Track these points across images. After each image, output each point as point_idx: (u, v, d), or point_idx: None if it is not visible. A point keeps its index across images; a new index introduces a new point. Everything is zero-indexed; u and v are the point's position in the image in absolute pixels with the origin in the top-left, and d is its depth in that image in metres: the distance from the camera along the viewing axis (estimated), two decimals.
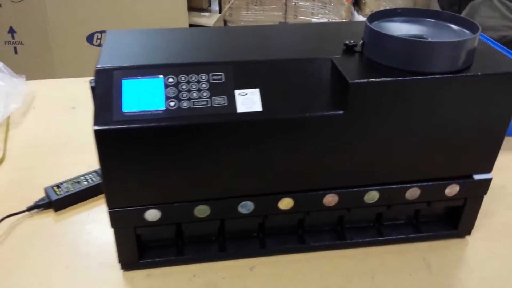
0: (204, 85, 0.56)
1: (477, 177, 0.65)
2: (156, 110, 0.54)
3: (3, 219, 0.70)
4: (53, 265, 0.64)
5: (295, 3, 2.46)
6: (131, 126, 0.52)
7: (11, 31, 2.08)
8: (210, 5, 2.52)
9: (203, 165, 0.57)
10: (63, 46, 2.09)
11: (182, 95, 0.55)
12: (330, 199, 0.63)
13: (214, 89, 0.56)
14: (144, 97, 0.54)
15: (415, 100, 0.56)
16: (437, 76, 0.55)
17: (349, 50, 0.60)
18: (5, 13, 2.00)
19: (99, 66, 0.55)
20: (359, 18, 2.49)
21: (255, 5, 2.47)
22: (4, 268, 0.64)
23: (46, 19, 2.03)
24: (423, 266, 0.65)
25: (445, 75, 0.55)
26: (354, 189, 0.62)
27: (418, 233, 0.69)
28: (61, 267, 0.64)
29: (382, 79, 0.54)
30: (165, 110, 0.54)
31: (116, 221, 0.59)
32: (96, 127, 0.52)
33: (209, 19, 2.32)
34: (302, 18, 2.47)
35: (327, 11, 2.48)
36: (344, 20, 2.44)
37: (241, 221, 0.63)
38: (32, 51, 2.10)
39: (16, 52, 2.13)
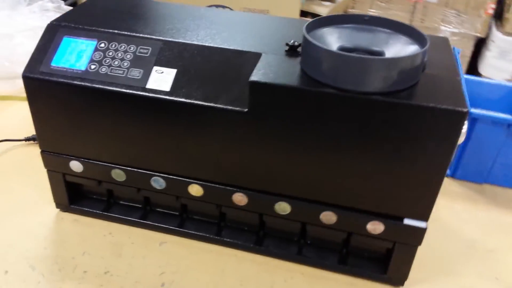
0: (128, 56, 0.58)
1: (408, 221, 0.56)
2: (77, 70, 0.58)
3: (1, 141, 0.82)
4: (9, 190, 0.74)
5: (425, 6, 2.27)
6: (49, 79, 0.57)
7: None
8: None
9: (113, 130, 0.60)
10: None
11: (105, 60, 0.58)
12: (240, 198, 0.60)
13: (136, 61, 0.57)
14: (74, 55, 0.59)
15: (318, 113, 0.51)
16: (340, 93, 0.49)
17: (291, 50, 0.56)
18: None
19: (52, 21, 0.61)
20: (497, 35, 2.19)
21: (381, 2, 2.35)
22: None
23: None
24: None
25: (352, 94, 0.49)
26: (263, 194, 0.59)
27: (342, 264, 0.62)
28: (13, 194, 0.73)
29: (282, 83, 0.50)
30: (84, 71, 0.57)
31: (47, 163, 0.65)
32: (24, 74, 0.58)
33: (326, 9, 2.27)
34: (428, 25, 2.27)
35: (460, 21, 2.24)
36: (476, 34, 2.18)
37: (157, 195, 0.64)
38: None
39: None
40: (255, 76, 0.51)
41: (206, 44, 0.58)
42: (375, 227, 0.57)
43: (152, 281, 0.60)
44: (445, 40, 0.62)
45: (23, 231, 0.67)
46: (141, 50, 0.58)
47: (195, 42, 0.58)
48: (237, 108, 0.53)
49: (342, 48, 0.53)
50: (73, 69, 0.58)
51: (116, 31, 0.60)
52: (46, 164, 0.66)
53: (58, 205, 0.70)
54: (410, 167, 0.52)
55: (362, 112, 0.50)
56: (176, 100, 0.55)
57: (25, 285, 0.59)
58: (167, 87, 0.56)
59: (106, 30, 0.60)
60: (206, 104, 0.54)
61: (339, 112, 0.50)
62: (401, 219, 0.56)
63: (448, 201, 0.76)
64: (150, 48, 0.58)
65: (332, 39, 0.55)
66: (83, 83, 0.57)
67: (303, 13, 2.22)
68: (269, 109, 0.52)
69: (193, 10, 0.68)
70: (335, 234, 0.61)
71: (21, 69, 0.58)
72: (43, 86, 0.58)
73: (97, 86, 0.56)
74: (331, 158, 0.53)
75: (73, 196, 0.69)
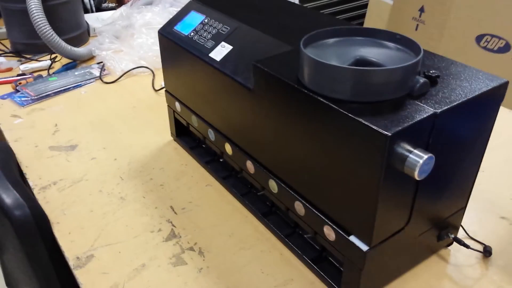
0: (214, 31, 0.74)
1: (353, 238, 0.54)
2: (183, 34, 0.78)
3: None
4: (151, 120, 1.02)
5: None
6: (167, 37, 0.80)
7: (421, 10, 2.33)
8: None
9: (194, 85, 0.78)
10: (453, 38, 2.18)
11: (200, 31, 0.76)
12: (250, 166, 0.70)
13: (216, 35, 0.74)
14: (187, 24, 0.79)
15: (299, 112, 0.55)
16: (315, 96, 0.52)
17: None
18: None
19: (194, 0, 0.83)
20: None
21: None
22: None
23: (449, 10, 2.15)
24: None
25: (317, 96, 0.52)
26: (262, 168, 0.67)
27: (314, 262, 0.64)
28: (153, 123, 1.01)
29: (275, 74, 0.57)
30: (185, 35, 0.77)
31: (167, 100, 0.90)
32: (158, 31, 0.82)
33: None
34: None
35: None
36: None
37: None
38: (428, 34, 2.30)
39: (416, 29, 2.38)
40: (260, 62, 0.60)
41: (257, 30, 0.69)
42: (329, 232, 0.58)
43: (184, 199, 0.77)
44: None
45: (141, 144, 0.94)
46: (223, 29, 0.74)
47: (252, 27, 0.70)
48: (245, 85, 0.63)
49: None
50: (181, 33, 0.78)
51: (219, 11, 0.77)
52: (167, 101, 0.90)
53: (172, 134, 0.94)
54: (349, 179, 0.51)
55: (318, 113, 0.53)
56: (217, 69, 0.69)
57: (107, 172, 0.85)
58: (219, 58, 0.70)
59: (214, 9, 0.78)
60: (231, 76, 0.66)
61: (304, 108, 0.54)
62: (349, 234, 0.55)
63: None
64: (229, 28, 0.73)
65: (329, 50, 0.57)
66: (179, 44, 0.77)
67: None
68: (265, 91, 0.60)
69: (287, 4, 0.79)
70: (307, 229, 0.63)
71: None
72: (165, 42, 0.81)
73: (184, 47, 0.76)
74: (299, 147, 0.57)
75: (180, 130, 0.92)
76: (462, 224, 0.71)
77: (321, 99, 0.51)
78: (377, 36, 0.58)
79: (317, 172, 0.56)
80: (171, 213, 0.76)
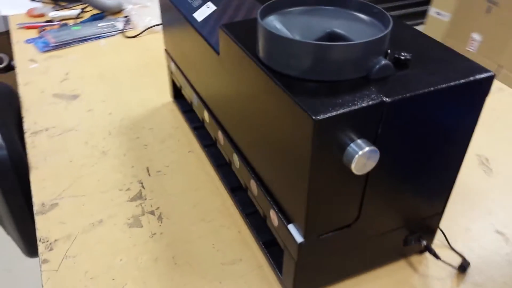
0: None
1: (291, 228, 0.50)
2: None
3: None
4: (157, 81, 1.00)
5: None
6: None
7: None
8: None
9: (182, 45, 0.75)
10: None
11: None
12: (221, 137, 0.67)
13: None
14: None
15: (252, 83, 0.51)
16: (261, 68, 0.48)
17: None
18: None
19: None
20: None
21: None
22: None
23: None
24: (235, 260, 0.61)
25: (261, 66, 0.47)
26: (229, 140, 0.63)
27: (265, 245, 0.61)
28: (159, 83, 0.99)
29: (236, 42, 0.53)
30: None
31: (166, 59, 0.87)
32: None
33: None
34: None
35: None
36: None
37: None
38: (500, 18, 2.09)
39: (487, 11, 2.17)
40: (226, 26, 0.56)
41: None
42: (274, 217, 0.54)
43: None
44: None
45: (140, 102, 0.93)
46: None
47: None
48: (215, 50, 0.59)
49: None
50: None
51: None
52: (166, 60, 0.88)
53: (172, 96, 0.92)
54: (289, 162, 0.47)
55: (267, 86, 0.48)
56: (196, 29, 0.65)
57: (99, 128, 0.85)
58: (200, 19, 0.66)
59: None
60: (206, 38, 0.62)
61: (256, 80, 0.50)
62: (289, 222, 0.51)
63: None
64: None
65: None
66: (174, 3, 0.74)
67: None
68: (227, 57, 0.56)
69: None
70: (260, 210, 0.60)
71: None
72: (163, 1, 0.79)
73: (174, 4, 0.72)
74: (254, 121, 0.53)
75: (177, 92, 0.90)
76: (445, 230, 0.65)
77: (264, 71, 0.46)
78: (350, 7, 0.52)
79: (266, 151, 0.52)
80: (145, 174, 0.75)
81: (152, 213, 0.68)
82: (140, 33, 1.18)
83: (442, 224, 0.66)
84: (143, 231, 0.65)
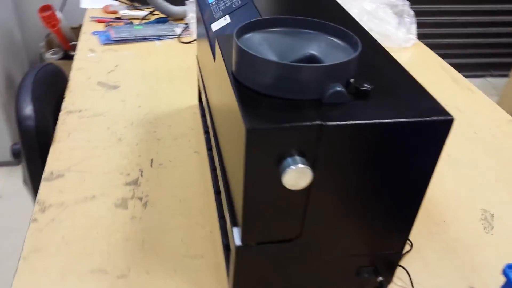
0: (228, 3, 0.75)
1: (234, 231, 0.53)
2: (208, 1, 0.81)
3: None
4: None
5: None
6: (197, 0, 0.83)
7: None
8: None
9: (203, 53, 0.80)
10: None
11: (221, 1, 0.78)
12: (214, 143, 0.71)
13: (228, 8, 0.74)
14: None
15: (224, 95, 0.55)
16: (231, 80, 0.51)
17: None
18: None
19: None
20: None
21: None
22: None
23: None
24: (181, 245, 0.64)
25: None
26: (217, 144, 0.67)
27: (226, 248, 0.63)
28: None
29: (221, 53, 0.57)
30: (209, 3, 0.80)
31: (197, 64, 0.93)
32: None
33: None
34: None
35: None
36: None
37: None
38: None
39: None
40: (221, 37, 0.60)
41: (256, 10, 0.68)
42: (227, 218, 0.57)
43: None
44: None
45: (169, 101, 1.00)
46: (236, 3, 0.74)
47: (256, 7, 0.69)
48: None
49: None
50: (207, 1, 0.81)
51: None
52: (197, 66, 0.94)
53: (198, 100, 0.98)
54: (237, 165, 0.49)
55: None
56: (208, 38, 0.70)
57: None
58: (215, 29, 0.71)
59: None
60: (211, 47, 0.67)
61: (226, 90, 0.53)
62: (236, 225, 0.53)
63: None
64: (240, 2, 0.73)
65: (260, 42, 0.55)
66: (201, 10, 0.80)
67: None
68: (218, 66, 0.60)
69: None
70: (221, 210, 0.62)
71: None
72: (196, 6, 0.85)
73: (202, 13, 0.78)
74: (223, 127, 0.57)
75: (201, 97, 0.95)
76: (416, 273, 0.63)
77: (231, 82, 0.50)
78: (329, 32, 0.54)
79: (232, 158, 0.55)
80: (147, 165, 0.81)
81: (140, 199, 0.73)
82: (193, 40, 1.27)
83: (413, 265, 0.64)
84: (126, 212, 0.70)
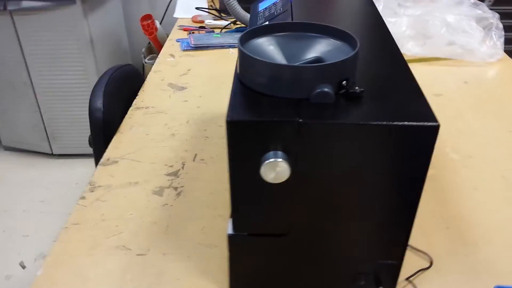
0: (272, 11, 0.79)
1: (229, 221, 0.55)
2: (258, 9, 0.85)
3: None
4: None
5: None
6: (252, 8, 0.88)
7: None
8: None
9: None
10: None
11: (268, 9, 0.81)
12: None
13: (269, 16, 0.78)
14: (269, 1, 0.85)
15: None
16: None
17: None
18: None
19: None
20: None
21: None
22: None
23: None
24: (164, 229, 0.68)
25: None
26: None
27: None
28: None
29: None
30: (258, 11, 0.84)
31: None
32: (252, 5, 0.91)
33: None
34: None
35: None
36: None
37: None
38: None
39: None
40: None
41: (290, 17, 0.70)
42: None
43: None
44: None
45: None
46: (278, 11, 0.77)
47: (290, 15, 0.71)
48: None
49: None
50: (258, 8, 0.85)
51: None
52: None
53: None
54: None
55: None
56: None
57: None
58: None
59: None
60: None
61: None
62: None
63: None
64: (281, 11, 0.76)
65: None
66: (251, 17, 0.84)
67: None
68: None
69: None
70: None
71: None
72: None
73: (251, 21, 0.83)
74: None
75: None
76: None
77: (234, 82, 0.53)
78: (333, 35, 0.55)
79: None
80: (191, 159, 0.87)
81: (175, 188, 0.79)
82: None
83: (428, 285, 0.61)
84: (160, 199, 0.77)
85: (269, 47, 0.55)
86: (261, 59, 0.48)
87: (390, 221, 0.52)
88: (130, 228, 0.71)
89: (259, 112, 0.46)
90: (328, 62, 0.47)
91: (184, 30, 1.46)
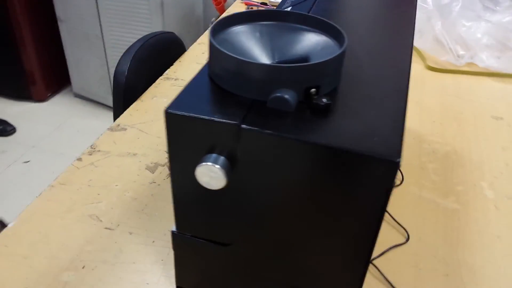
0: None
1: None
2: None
3: None
4: None
5: None
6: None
7: None
8: None
9: None
10: None
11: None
12: None
13: (296, 1, 0.71)
14: None
15: None
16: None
17: None
18: None
19: None
20: None
21: None
22: None
23: None
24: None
25: None
26: None
27: None
28: None
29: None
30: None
31: None
32: None
33: None
34: None
35: None
36: None
37: None
38: None
39: None
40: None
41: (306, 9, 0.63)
42: None
43: None
44: None
45: None
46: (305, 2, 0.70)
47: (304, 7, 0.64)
48: None
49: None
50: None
51: None
52: None
53: None
54: None
55: None
56: None
57: None
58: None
59: None
60: None
61: None
62: None
63: None
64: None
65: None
66: (280, 7, 0.77)
67: None
68: None
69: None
70: None
71: None
72: None
73: (279, 7, 0.76)
74: None
75: None
76: None
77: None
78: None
79: None
80: None
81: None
82: None
83: None
84: (150, 176, 0.75)
85: (247, 38, 0.49)
86: (218, 47, 0.43)
87: (344, 255, 0.45)
88: (110, 199, 0.70)
89: (204, 108, 0.41)
90: (293, 65, 0.41)
91: (245, 4, 1.41)
